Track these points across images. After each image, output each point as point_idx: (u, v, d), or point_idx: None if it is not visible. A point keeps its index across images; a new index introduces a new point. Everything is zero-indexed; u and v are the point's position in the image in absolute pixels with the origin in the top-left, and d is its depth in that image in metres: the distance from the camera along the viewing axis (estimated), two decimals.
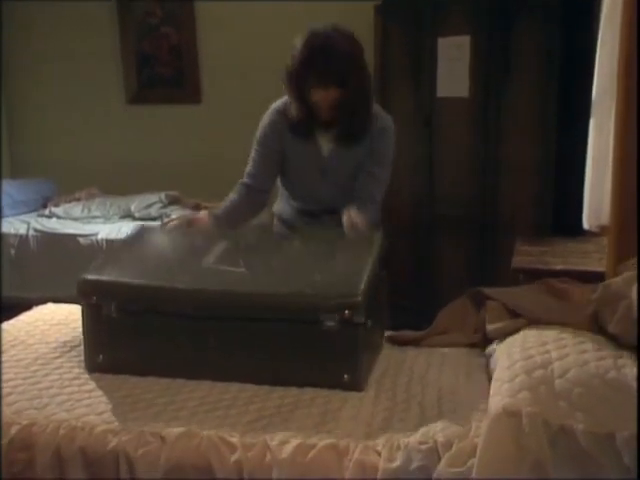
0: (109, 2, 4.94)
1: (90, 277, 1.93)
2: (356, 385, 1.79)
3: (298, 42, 2.26)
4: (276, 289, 1.84)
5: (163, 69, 5.02)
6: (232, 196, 2.46)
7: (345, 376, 1.78)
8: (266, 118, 2.44)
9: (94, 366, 1.90)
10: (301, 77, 2.25)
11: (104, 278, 1.92)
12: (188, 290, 1.86)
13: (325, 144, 2.38)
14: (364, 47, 2.35)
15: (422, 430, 1.57)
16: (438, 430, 1.56)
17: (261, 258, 2.02)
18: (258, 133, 2.45)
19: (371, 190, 2.41)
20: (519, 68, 3.60)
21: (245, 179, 2.46)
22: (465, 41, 3.69)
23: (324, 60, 2.21)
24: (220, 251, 2.04)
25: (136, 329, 1.89)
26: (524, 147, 3.66)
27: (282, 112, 2.40)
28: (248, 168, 2.47)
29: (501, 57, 3.62)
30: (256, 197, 2.45)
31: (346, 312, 1.75)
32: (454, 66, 3.73)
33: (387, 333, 2.14)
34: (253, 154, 2.46)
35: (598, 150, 2.52)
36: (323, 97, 2.26)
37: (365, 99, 2.35)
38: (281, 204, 2.56)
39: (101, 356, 1.90)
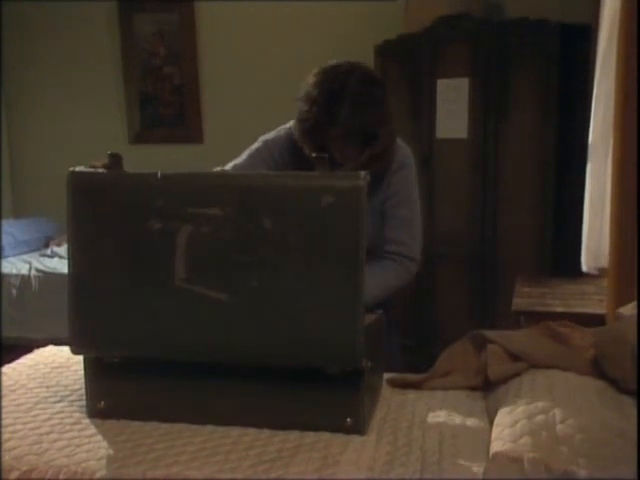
0: (114, 43, 5.02)
1: (79, 334, 1.86)
2: (359, 428, 1.78)
3: (312, 86, 1.98)
4: (273, 344, 1.77)
5: (166, 109, 5.08)
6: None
7: (348, 420, 1.78)
8: (281, 130, 2.20)
9: (95, 412, 1.89)
10: (318, 134, 1.97)
11: (92, 331, 1.85)
12: (182, 345, 1.82)
13: None
14: None
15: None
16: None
17: (234, 271, 1.77)
18: (262, 141, 2.21)
19: (396, 234, 2.16)
20: (517, 110, 3.65)
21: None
22: (464, 83, 3.74)
23: (349, 118, 1.92)
24: (184, 247, 1.78)
25: (138, 375, 1.88)
26: (523, 188, 3.69)
27: (291, 139, 2.12)
28: (234, 162, 2.22)
29: (499, 99, 3.67)
30: None
31: (349, 358, 1.73)
32: (453, 108, 3.78)
33: (387, 376, 2.12)
34: (248, 153, 2.20)
35: (596, 193, 2.54)
36: (345, 156, 1.98)
37: (391, 144, 2.09)
38: None
39: (103, 402, 1.89)
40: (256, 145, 2.24)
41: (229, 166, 2.25)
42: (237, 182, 1.84)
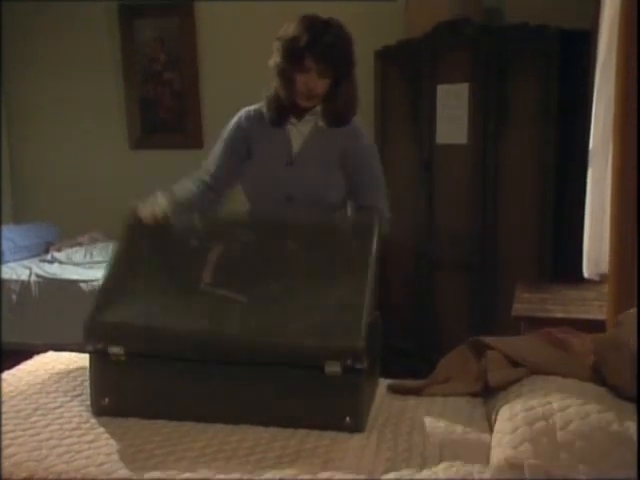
0: (114, 48, 5.03)
1: (94, 326, 1.94)
2: (358, 427, 1.82)
3: (295, 25, 2.23)
4: (279, 337, 1.86)
5: (166, 115, 5.08)
6: (191, 188, 2.39)
7: (347, 418, 1.82)
8: (235, 119, 2.42)
9: (99, 409, 1.92)
10: (299, 56, 2.20)
11: (109, 325, 1.94)
12: (192, 337, 1.89)
13: (296, 136, 2.34)
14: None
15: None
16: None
17: (257, 279, 1.98)
18: (225, 133, 2.41)
19: (378, 202, 2.40)
20: (517, 115, 3.64)
21: (205, 176, 2.40)
22: (464, 88, 3.74)
23: (326, 50, 2.18)
24: (215, 261, 2.01)
25: (142, 372, 1.91)
26: (523, 193, 3.68)
27: (253, 113, 2.40)
28: (208, 165, 2.42)
29: (499, 104, 3.66)
30: (212, 197, 2.39)
31: (349, 359, 1.79)
32: (453, 113, 3.78)
33: (388, 382, 2.13)
34: (216, 153, 2.42)
35: (597, 198, 2.54)
36: (311, 87, 2.23)
37: (353, 88, 2.33)
38: None
39: (107, 399, 1.92)
40: (225, 134, 2.43)
41: (208, 170, 2.42)
42: (269, 218, 2.15)
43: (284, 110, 2.32)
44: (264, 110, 2.36)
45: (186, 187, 2.38)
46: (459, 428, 1.84)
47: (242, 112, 2.43)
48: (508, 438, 1.55)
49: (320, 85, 2.24)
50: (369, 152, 2.43)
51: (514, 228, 3.71)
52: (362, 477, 1.61)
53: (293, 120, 2.33)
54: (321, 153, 2.33)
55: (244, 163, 2.37)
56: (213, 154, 2.42)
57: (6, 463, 1.67)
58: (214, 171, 2.40)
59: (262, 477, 1.60)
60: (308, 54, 2.19)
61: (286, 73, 2.25)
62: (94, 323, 1.94)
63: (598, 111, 2.52)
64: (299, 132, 2.34)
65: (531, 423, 1.57)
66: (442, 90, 3.82)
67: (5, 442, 1.76)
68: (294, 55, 2.21)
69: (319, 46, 2.18)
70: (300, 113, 2.32)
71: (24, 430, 1.83)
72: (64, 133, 5.23)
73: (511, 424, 1.60)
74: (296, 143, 2.33)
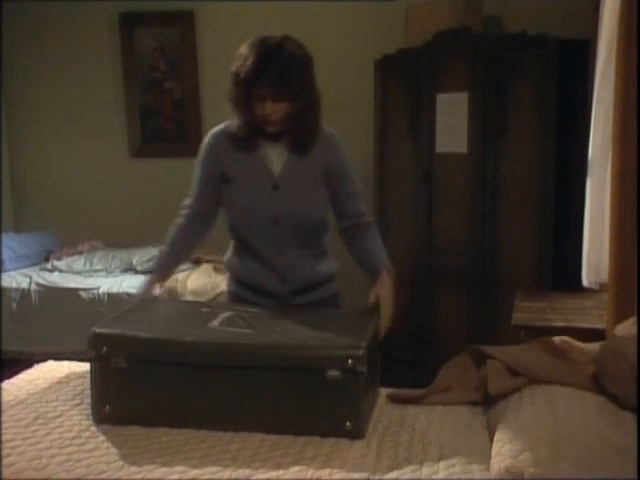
0: (115, 57, 5.04)
1: (101, 330, 1.98)
2: (358, 432, 1.83)
3: (245, 49, 2.17)
4: (282, 340, 1.93)
5: (166, 123, 5.09)
6: (180, 224, 2.44)
7: (347, 424, 1.82)
8: (205, 142, 2.36)
9: (100, 417, 1.92)
10: (250, 89, 2.15)
11: (114, 331, 1.98)
12: (195, 341, 1.92)
13: (274, 159, 2.28)
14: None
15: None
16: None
17: (265, 323, 2.07)
18: (199, 157, 2.37)
19: (360, 208, 2.41)
20: (517, 124, 3.65)
21: (191, 203, 2.41)
22: (463, 97, 3.75)
23: (278, 73, 2.13)
24: (224, 317, 2.10)
25: (143, 379, 1.91)
26: (523, 202, 3.69)
27: (221, 135, 2.33)
28: (193, 190, 2.41)
29: (499, 113, 3.68)
30: (199, 221, 2.41)
31: (349, 362, 1.81)
32: (453, 122, 3.79)
33: (388, 391, 2.13)
34: (195, 178, 2.39)
35: (596, 207, 2.55)
36: (270, 109, 2.16)
37: (314, 113, 2.26)
38: (234, 259, 2.43)
39: (108, 406, 1.92)
40: (199, 158, 2.39)
41: (192, 188, 2.43)
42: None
43: (254, 134, 2.25)
44: (232, 130, 2.29)
45: (176, 228, 2.46)
46: (459, 437, 1.84)
47: (210, 135, 2.36)
48: (508, 447, 1.55)
49: (278, 110, 2.18)
50: (347, 158, 2.39)
51: (514, 237, 3.72)
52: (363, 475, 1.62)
53: (269, 142, 2.27)
54: (304, 174, 2.29)
55: (221, 187, 2.32)
56: (194, 179, 2.40)
57: (6, 472, 1.67)
58: (197, 196, 2.39)
59: (262, 477, 1.62)
60: (261, 80, 2.14)
61: (242, 101, 2.19)
62: (96, 330, 1.97)
63: (597, 119, 2.53)
64: (278, 154, 2.28)
65: (531, 432, 1.57)
66: (442, 99, 3.84)
67: (5, 451, 1.75)
68: (247, 82, 2.15)
69: (270, 71, 2.13)
70: (274, 135, 2.26)
71: (24, 439, 1.82)
72: (65, 141, 5.24)
73: (511, 433, 1.60)
74: (277, 165, 2.28)
